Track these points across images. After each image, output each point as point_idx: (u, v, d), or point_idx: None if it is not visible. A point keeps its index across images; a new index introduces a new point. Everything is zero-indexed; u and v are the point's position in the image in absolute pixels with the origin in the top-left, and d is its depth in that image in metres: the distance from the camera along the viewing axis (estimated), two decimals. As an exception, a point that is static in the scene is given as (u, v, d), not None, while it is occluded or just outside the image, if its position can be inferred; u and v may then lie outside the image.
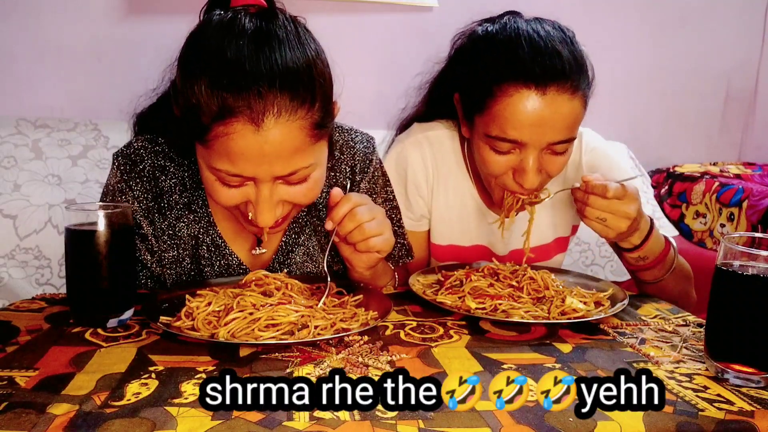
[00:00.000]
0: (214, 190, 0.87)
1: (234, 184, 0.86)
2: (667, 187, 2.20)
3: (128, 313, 0.86)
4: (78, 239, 0.83)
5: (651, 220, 1.03)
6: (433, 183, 1.19)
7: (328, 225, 0.91)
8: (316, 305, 0.87)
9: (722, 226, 1.96)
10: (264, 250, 1.02)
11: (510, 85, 0.96)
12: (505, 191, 1.07)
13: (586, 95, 1.00)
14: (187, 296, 0.90)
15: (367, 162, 1.08)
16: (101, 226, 0.82)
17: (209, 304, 0.85)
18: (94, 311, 0.84)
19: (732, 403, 0.68)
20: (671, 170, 2.24)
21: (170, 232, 1.00)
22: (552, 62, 0.96)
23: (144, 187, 0.99)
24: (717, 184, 2.03)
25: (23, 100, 1.79)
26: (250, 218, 0.89)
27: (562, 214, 1.23)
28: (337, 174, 1.07)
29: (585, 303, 0.95)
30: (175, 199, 1.00)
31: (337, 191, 0.92)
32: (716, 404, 0.67)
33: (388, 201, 1.13)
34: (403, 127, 1.26)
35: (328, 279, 0.94)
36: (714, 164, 2.29)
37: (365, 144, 1.09)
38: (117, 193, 0.98)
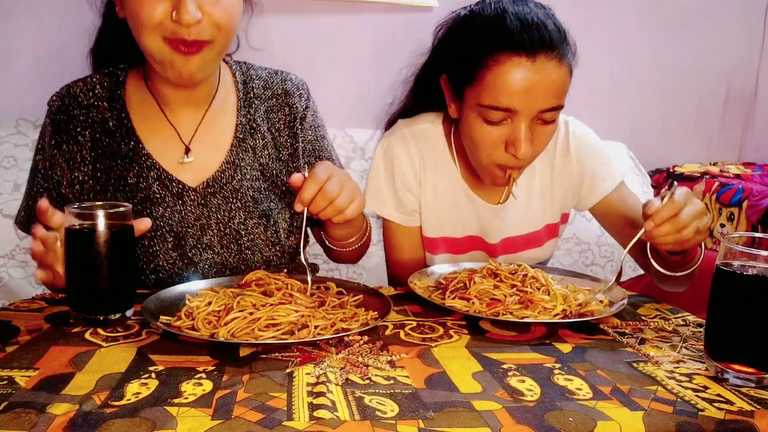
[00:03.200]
0: None
1: None
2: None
3: (128, 313, 0.86)
4: (77, 239, 0.83)
5: None
6: (420, 176, 1.21)
7: (298, 207, 0.89)
8: (305, 289, 0.90)
9: (722, 226, 1.96)
10: (191, 159, 1.02)
11: (501, 54, 0.99)
12: (497, 169, 1.08)
13: (571, 65, 1.04)
14: (187, 296, 0.90)
15: (305, 108, 1.13)
16: (101, 226, 0.82)
17: (209, 304, 0.85)
18: (93, 311, 0.84)
19: (732, 403, 0.68)
20: (671, 170, 2.24)
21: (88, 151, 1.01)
22: (539, 32, 1.00)
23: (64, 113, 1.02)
24: (717, 184, 2.03)
25: (23, 100, 1.79)
26: None
27: (551, 201, 1.25)
28: (265, 123, 1.10)
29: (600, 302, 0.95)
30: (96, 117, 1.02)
31: (296, 176, 0.90)
32: (716, 404, 0.67)
33: (321, 131, 1.17)
34: (391, 122, 1.28)
35: (308, 269, 0.95)
36: (714, 164, 2.29)
37: (299, 93, 1.13)
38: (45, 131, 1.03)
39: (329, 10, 1.94)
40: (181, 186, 1.01)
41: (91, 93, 1.03)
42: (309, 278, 0.95)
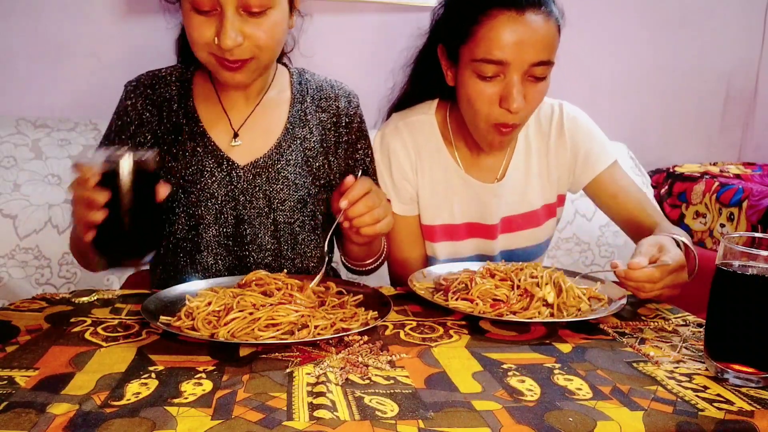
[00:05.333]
0: None
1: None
2: (667, 187, 2.20)
3: (147, 258, 0.86)
4: (102, 181, 0.82)
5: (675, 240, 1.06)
6: (416, 165, 1.25)
7: (342, 203, 0.94)
8: (308, 286, 0.91)
9: (722, 226, 1.96)
10: (239, 143, 1.11)
11: (493, 10, 1.07)
12: (494, 128, 1.12)
13: (559, 24, 1.10)
14: (187, 296, 0.90)
15: (352, 114, 1.20)
16: (124, 169, 0.81)
17: (209, 304, 0.85)
18: (116, 253, 0.84)
19: (732, 403, 0.68)
20: (671, 170, 2.24)
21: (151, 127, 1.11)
22: None
23: (141, 93, 1.12)
24: (717, 184, 2.03)
25: (23, 100, 1.79)
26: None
27: (548, 180, 1.29)
28: (314, 119, 1.16)
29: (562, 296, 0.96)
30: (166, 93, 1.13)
31: (350, 178, 0.96)
32: (716, 404, 0.67)
33: (366, 153, 1.22)
34: (394, 107, 1.32)
35: (326, 260, 1.00)
36: (714, 164, 2.29)
37: (348, 99, 1.20)
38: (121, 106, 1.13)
39: (329, 10, 1.94)
40: (231, 163, 1.10)
41: (163, 79, 1.14)
42: (321, 273, 0.97)
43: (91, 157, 0.83)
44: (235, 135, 1.12)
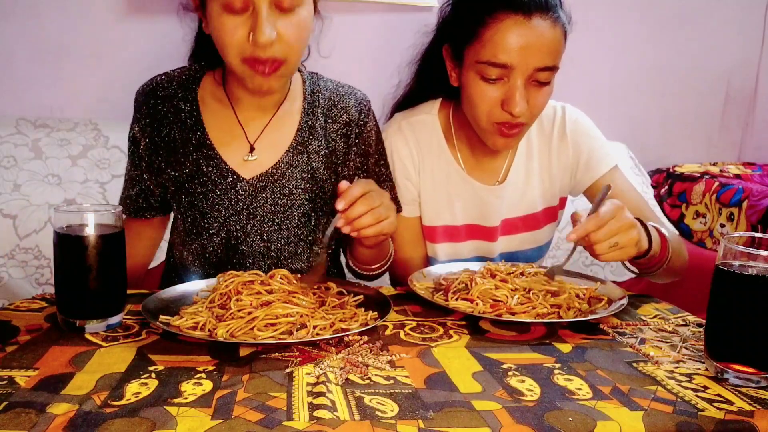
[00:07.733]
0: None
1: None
2: (667, 187, 2.20)
3: (116, 318, 0.85)
4: (66, 243, 0.81)
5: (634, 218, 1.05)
6: (419, 165, 1.25)
7: (339, 205, 0.92)
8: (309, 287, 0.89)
9: (722, 226, 1.96)
10: (255, 157, 1.09)
11: (500, 13, 1.07)
12: (497, 128, 1.12)
13: (566, 30, 1.10)
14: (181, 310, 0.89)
15: (362, 123, 1.16)
16: (90, 230, 0.81)
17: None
18: (80, 315, 0.82)
19: (732, 403, 0.68)
20: (671, 170, 2.24)
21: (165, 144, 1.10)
22: None
23: (147, 105, 1.10)
24: (717, 184, 2.03)
25: (23, 100, 1.79)
26: None
27: (549, 183, 1.29)
28: (324, 130, 1.13)
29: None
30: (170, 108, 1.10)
31: (345, 183, 0.95)
32: (716, 404, 0.67)
33: (382, 158, 1.20)
34: (398, 104, 1.32)
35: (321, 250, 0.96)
36: (714, 164, 2.29)
37: (359, 108, 1.16)
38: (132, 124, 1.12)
39: (329, 10, 1.93)
40: (235, 176, 1.09)
41: (168, 86, 1.11)
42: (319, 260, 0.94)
43: (56, 215, 0.82)
44: (252, 149, 1.10)
